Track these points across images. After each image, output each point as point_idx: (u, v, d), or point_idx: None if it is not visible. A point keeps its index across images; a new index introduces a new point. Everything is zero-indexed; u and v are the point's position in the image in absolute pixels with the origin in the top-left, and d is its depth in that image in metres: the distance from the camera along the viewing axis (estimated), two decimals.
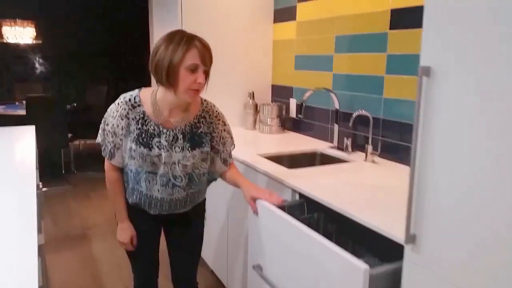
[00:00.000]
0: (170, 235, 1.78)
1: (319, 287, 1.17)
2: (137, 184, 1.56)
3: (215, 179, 1.76)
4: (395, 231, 1.19)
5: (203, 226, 1.81)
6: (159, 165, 1.52)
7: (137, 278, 1.81)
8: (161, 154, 1.50)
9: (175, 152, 1.52)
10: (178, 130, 1.53)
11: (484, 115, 0.88)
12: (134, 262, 1.77)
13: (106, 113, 1.55)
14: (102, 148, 1.56)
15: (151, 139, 1.50)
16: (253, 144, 2.48)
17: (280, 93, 2.96)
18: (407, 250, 1.11)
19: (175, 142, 1.52)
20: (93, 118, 4.86)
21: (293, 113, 2.81)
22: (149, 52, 1.62)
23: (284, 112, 2.80)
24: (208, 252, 2.59)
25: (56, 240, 3.28)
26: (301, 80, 2.72)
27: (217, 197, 2.35)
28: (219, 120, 1.63)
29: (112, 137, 1.52)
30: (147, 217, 1.64)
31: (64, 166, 5.00)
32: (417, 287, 1.09)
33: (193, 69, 1.41)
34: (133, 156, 1.51)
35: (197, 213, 1.74)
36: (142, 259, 1.76)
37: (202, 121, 1.59)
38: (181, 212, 1.65)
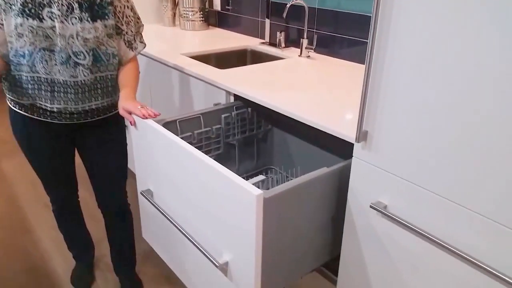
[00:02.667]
0: (85, 151, 1.55)
1: (213, 214, 1.05)
2: (32, 71, 1.32)
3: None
4: (342, 130, 1.13)
5: (125, 135, 1.60)
6: (54, 38, 1.29)
7: (53, 201, 1.65)
8: (55, 26, 1.28)
9: (72, 24, 1.30)
10: None
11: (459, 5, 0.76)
12: (47, 184, 1.58)
13: None
14: None
15: (41, 9, 1.26)
16: (174, 43, 2.22)
17: None
18: (357, 148, 1.05)
19: (71, 13, 1.29)
20: None
21: (217, 5, 2.53)
22: None
23: (207, 5, 2.51)
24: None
25: None
26: None
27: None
28: None
29: None
30: (52, 127, 1.42)
31: None
32: (366, 184, 1.05)
33: None
34: (20, 33, 1.27)
35: (114, 121, 1.53)
36: (54, 179, 1.56)
37: None
38: (93, 111, 1.44)
